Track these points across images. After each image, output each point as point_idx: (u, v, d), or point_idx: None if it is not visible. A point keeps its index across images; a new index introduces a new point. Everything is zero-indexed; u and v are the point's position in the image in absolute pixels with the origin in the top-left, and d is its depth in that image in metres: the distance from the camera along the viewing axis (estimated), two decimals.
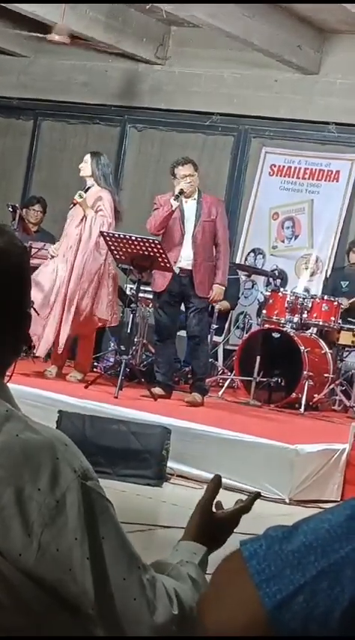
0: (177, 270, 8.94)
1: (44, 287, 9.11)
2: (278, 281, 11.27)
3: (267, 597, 1.21)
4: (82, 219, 9.29)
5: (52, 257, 9.35)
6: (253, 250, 12.41)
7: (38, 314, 8.81)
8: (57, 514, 1.60)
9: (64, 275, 9.18)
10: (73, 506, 1.61)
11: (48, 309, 9.11)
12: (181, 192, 8.91)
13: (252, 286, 12.22)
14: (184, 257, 9.00)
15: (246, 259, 12.31)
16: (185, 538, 1.97)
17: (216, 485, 2.05)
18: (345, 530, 1.22)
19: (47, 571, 1.59)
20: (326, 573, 1.21)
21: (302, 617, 1.20)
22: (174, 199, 8.93)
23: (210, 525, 1.99)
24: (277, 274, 11.59)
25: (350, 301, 10.26)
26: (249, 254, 12.40)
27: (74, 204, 9.37)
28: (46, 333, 9.09)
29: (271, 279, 11.42)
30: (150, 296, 9.72)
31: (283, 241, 12.27)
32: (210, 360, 10.23)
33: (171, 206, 8.94)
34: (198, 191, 9.17)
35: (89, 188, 9.36)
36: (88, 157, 9.49)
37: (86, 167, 9.44)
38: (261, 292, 11.63)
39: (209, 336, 9.90)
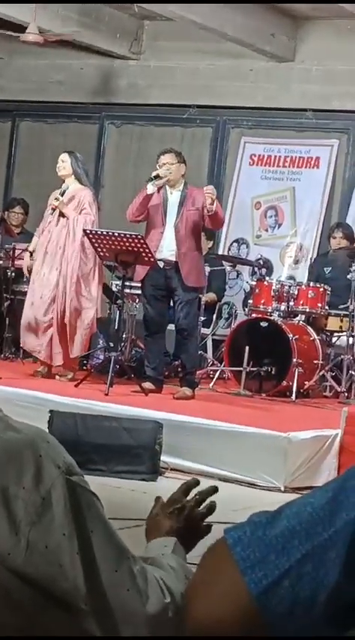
0: (160, 264, 8.93)
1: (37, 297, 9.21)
2: (264, 270, 11.25)
3: (253, 583, 1.21)
4: (60, 220, 9.28)
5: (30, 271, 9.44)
6: (236, 240, 12.41)
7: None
8: (43, 511, 1.60)
9: (50, 278, 9.20)
10: (59, 502, 1.61)
11: (46, 316, 9.18)
12: (156, 176, 8.91)
13: (237, 276, 12.22)
14: (165, 247, 8.97)
15: (229, 250, 12.31)
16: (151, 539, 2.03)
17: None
18: (328, 513, 1.23)
19: (37, 569, 1.59)
20: (311, 556, 1.21)
21: (288, 601, 1.20)
22: (150, 183, 8.92)
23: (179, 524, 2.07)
24: (262, 263, 11.58)
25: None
26: (232, 244, 12.40)
27: (54, 209, 9.34)
28: (45, 340, 9.17)
29: (256, 269, 11.40)
30: (137, 292, 9.71)
31: (266, 230, 12.28)
32: (200, 352, 10.23)
33: (146, 189, 8.94)
34: (184, 183, 9.16)
35: (65, 191, 9.33)
36: (65, 157, 9.46)
37: (66, 166, 9.40)
38: (247, 282, 11.62)
39: (197, 329, 9.89)
